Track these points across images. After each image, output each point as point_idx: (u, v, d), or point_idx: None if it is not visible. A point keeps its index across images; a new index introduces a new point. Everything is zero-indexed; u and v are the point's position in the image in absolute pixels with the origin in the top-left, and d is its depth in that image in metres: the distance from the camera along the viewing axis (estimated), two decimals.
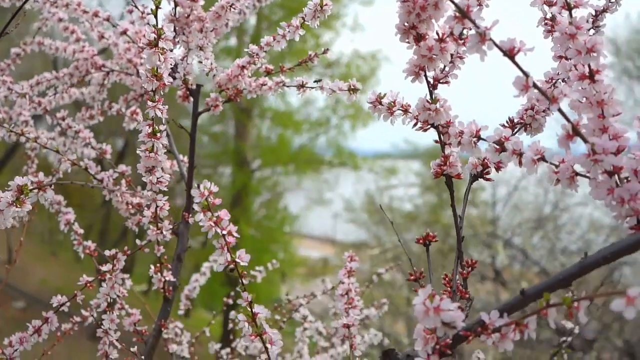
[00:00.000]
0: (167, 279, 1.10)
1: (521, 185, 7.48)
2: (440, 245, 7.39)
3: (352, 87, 0.98)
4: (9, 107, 1.43)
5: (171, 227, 1.03)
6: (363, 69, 10.66)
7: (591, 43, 0.61)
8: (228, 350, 1.57)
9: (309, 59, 1.16)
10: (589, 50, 0.61)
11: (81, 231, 1.21)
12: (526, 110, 0.80)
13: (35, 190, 0.75)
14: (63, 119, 1.24)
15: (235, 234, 0.73)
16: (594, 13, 0.84)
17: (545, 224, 6.99)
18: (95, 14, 1.19)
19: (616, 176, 0.61)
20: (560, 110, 0.59)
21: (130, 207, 1.15)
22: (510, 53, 0.59)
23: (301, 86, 1.08)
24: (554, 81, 0.81)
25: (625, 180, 0.61)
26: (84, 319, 1.26)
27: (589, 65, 0.62)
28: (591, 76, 0.63)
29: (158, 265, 1.08)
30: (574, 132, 0.59)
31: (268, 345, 0.75)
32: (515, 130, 0.81)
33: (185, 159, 1.27)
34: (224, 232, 0.72)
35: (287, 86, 1.10)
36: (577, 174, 0.63)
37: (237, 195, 11.52)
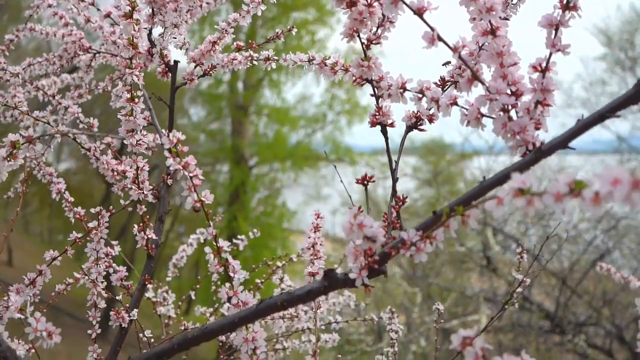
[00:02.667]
0: (149, 237, 1.21)
1: None
2: None
3: (311, 58, 1.09)
4: (4, 91, 1.54)
5: (152, 187, 1.15)
6: None
7: (490, 3, 0.73)
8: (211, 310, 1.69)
9: (276, 36, 1.27)
10: (488, 10, 0.73)
11: (72, 199, 1.32)
12: (456, 69, 0.91)
13: (26, 144, 0.86)
14: (53, 96, 1.36)
15: (201, 177, 0.84)
16: None
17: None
18: None
19: (514, 114, 0.73)
20: (460, 58, 0.71)
21: (115, 174, 1.26)
22: (419, 12, 0.70)
23: (267, 59, 1.20)
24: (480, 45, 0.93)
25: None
26: (76, 280, 1.37)
27: (490, 22, 0.74)
28: (492, 32, 0.74)
29: (141, 224, 1.20)
30: (474, 77, 0.71)
31: (231, 274, 0.86)
32: (446, 87, 0.92)
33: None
34: (191, 174, 0.83)
35: (255, 60, 1.21)
36: (482, 115, 0.75)
37: (235, 192, 11.64)
